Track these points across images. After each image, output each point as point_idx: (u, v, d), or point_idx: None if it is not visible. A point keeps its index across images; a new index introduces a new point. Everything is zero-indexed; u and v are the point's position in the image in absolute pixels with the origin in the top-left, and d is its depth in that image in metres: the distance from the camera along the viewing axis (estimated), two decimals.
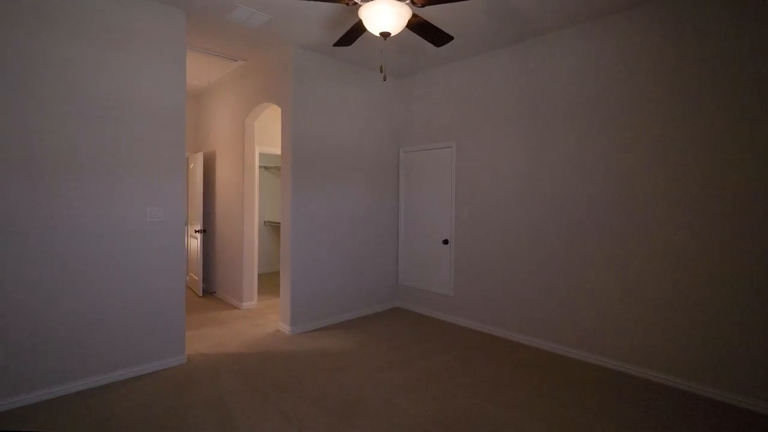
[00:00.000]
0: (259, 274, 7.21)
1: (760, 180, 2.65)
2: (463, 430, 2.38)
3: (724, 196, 2.79)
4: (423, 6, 2.29)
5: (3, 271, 2.53)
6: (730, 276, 2.77)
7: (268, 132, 5.49)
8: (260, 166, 7.24)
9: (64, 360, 2.74)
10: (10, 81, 2.53)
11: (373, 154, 4.86)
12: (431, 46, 4.03)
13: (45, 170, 2.65)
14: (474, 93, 4.35)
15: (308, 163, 4.22)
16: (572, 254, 3.57)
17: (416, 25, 2.56)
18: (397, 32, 2.40)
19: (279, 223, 7.23)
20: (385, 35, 2.28)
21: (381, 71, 2.53)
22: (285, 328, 4.14)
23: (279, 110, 5.59)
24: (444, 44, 2.81)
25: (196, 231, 5.61)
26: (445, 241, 4.61)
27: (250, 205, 5.03)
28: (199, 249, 5.54)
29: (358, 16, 2.92)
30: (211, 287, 5.82)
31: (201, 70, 5.03)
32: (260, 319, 4.55)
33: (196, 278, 5.63)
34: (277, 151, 5.52)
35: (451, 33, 3.71)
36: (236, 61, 4.54)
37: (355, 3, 2.26)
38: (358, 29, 2.59)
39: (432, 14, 3.33)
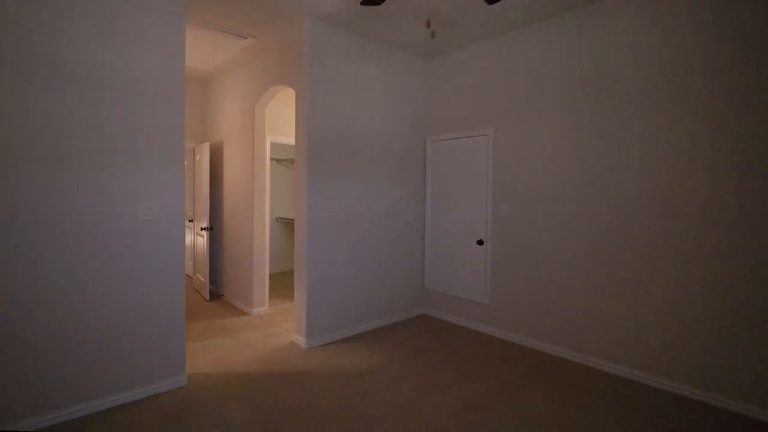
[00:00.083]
0: (270, 274, 6.75)
1: None
2: None
3: None
4: None
5: None
6: None
7: (280, 120, 4.99)
8: (271, 159, 6.75)
9: (31, 387, 2.27)
10: None
11: (396, 144, 4.32)
12: (464, 18, 3.47)
13: (7, 157, 2.18)
14: (515, 73, 3.78)
15: (325, 154, 3.70)
16: (645, 261, 2.99)
17: None
18: None
19: (292, 220, 6.75)
20: None
21: (428, 26, 1.99)
22: (300, 340, 3.65)
23: (292, 96, 5.08)
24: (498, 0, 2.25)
25: (202, 228, 5.15)
26: (480, 242, 4.06)
27: (261, 201, 4.54)
28: (205, 248, 5.08)
29: None
30: (218, 290, 5.37)
31: (206, 51, 4.53)
32: (272, 328, 4.06)
33: (203, 280, 5.18)
34: (290, 140, 5.02)
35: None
36: (245, 38, 4.03)
37: None
38: None
39: None
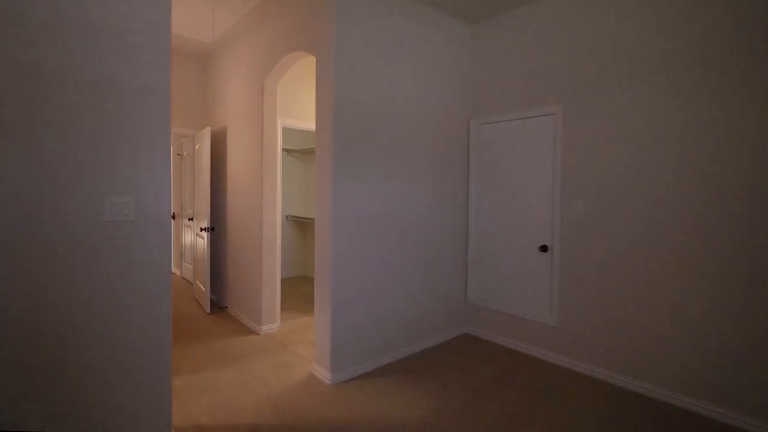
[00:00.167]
0: (280, 279, 5.97)
1: None
2: None
3: None
4: None
5: None
6: None
7: (293, 101, 4.20)
8: (281, 150, 5.97)
9: None
10: None
11: (437, 128, 3.51)
12: None
13: None
14: (592, 34, 2.96)
15: (355, 139, 2.91)
16: None
17: None
18: None
19: (305, 219, 5.97)
20: None
21: None
22: (322, 374, 2.87)
23: (306, 73, 4.28)
24: None
25: (202, 229, 4.39)
26: (544, 248, 3.26)
27: (271, 197, 3.76)
28: (206, 252, 4.31)
29: None
30: (221, 300, 4.61)
31: (204, 16, 3.75)
32: (286, 355, 3.29)
33: (203, 289, 4.42)
34: (305, 125, 4.23)
35: None
36: None
37: None
38: None
39: None
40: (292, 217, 6.17)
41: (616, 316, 2.86)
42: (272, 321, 3.82)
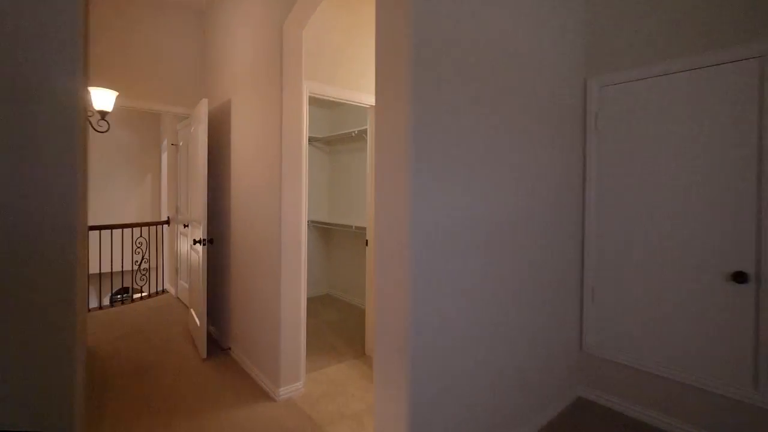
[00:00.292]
0: None
1: None
2: None
3: None
4: None
5: None
6: None
7: (320, 54, 2.97)
8: None
9: None
10: None
11: (544, 90, 2.26)
12: None
13: None
14: None
15: (443, 106, 1.66)
16: None
17: None
18: None
19: (330, 225, 4.77)
20: None
21: None
22: None
23: (343, 12, 3.06)
24: None
25: (196, 242, 3.19)
26: (740, 276, 1.99)
27: (293, 200, 2.55)
28: (201, 272, 3.11)
29: None
30: (223, 338, 3.41)
31: None
32: None
33: (198, 323, 3.22)
34: (342, 92, 3.00)
35: None
36: None
37: None
38: None
39: None
40: (313, 222, 4.96)
41: None
42: (294, 379, 2.60)
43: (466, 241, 1.78)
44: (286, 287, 2.52)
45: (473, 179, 1.79)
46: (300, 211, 2.59)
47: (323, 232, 5.12)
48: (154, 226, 5.01)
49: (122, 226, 4.64)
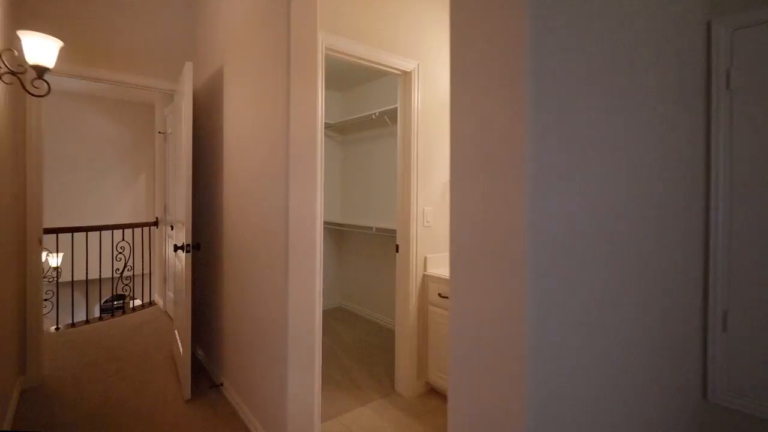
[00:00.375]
0: None
1: None
2: None
3: None
4: None
5: None
6: None
7: (341, 1, 2.26)
8: None
9: None
10: None
11: (647, 42, 1.52)
12: None
13: None
14: None
15: (556, 48, 0.94)
16: None
17: None
18: None
19: (344, 227, 4.07)
20: None
21: None
22: None
23: None
24: None
25: (177, 247, 2.50)
26: None
27: (306, 192, 1.84)
28: (184, 283, 2.41)
29: None
30: (215, 369, 2.70)
31: None
32: None
33: (182, 353, 2.51)
34: (366, 50, 2.28)
35: None
36: None
37: None
38: None
39: None
40: (324, 223, 4.25)
41: None
42: (307, 430, 1.88)
43: (587, 248, 1.05)
44: (295, 307, 1.81)
45: (591, 169, 1.07)
46: (314, 214, 1.88)
47: (335, 234, 4.41)
48: (140, 228, 4.32)
49: (101, 228, 3.96)
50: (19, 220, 2.44)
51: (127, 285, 4.20)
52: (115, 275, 4.13)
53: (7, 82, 1.85)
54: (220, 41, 2.57)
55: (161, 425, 2.13)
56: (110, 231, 4.05)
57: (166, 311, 4.09)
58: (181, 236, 2.48)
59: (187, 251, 2.34)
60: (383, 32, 2.31)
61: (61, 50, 2.32)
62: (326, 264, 4.30)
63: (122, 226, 4.09)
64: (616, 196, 1.17)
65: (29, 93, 1.81)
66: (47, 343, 3.25)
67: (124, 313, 4.12)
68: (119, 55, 2.77)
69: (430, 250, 2.56)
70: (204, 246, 2.91)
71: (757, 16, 1.73)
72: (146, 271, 4.64)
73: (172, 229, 3.53)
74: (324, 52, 2.02)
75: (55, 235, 3.73)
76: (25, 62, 1.79)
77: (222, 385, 2.52)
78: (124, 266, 4.06)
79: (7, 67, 1.81)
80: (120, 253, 4.00)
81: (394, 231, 3.44)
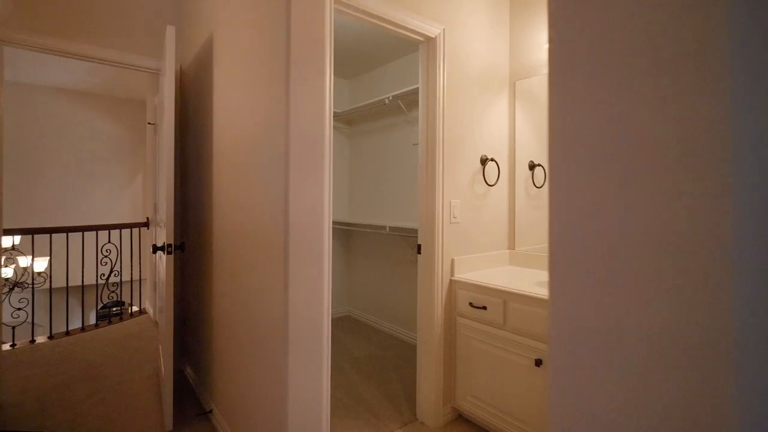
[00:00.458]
0: None
1: None
2: None
3: None
4: None
5: None
6: None
7: None
8: None
9: None
10: None
11: None
12: None
13: None
14: None
15: None
16: None
17: None
18: None
19: (353, 227, 3.67)
20: None
21: None
22: None
23: None
24: None
25: (157, 248, 2.11)
26: None
27: (315, 196, 1.44)
28: (165, 289, 2.01)
29: None
30: (203, 390, 2.30)
31: None
32: None
33: (163, 370, 2.11)
34: (384, 5, 1.89)
35: None
36: None
37: None
38: None
39: None
40: (335, 223, 3.85)
41: None
42: None
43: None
44: (297, 325, 1.41)
45: None
46: (323, 214, 1.48)
47: (342, 235, 4.02)
48: (129, 229, 3.94)
49: (85, 228, 3.58)
50: None
51: (113, 292, 3.81)
52: (100, 281, 3.75)
53: None
54: (208, 4, 2.19)
55: None
56: (94, 232, 3.66)
57: (156, 321, 3.70)
58: (161, 236, 2.09)
59: (169, 252, 1.94)
60: None
61: (19, 17, 1.96)
62: (333, 268, 3.89)
63: (108, 227, 3.71)
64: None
65: None
66: (16, 359, 2.87)
67: (121, 320, 3.74)
68: (93, 26, 2.40)
69: (458, 250, 2.16)
70: (193, 248, 2.52)
71: None
72: (137, 276, 4.26)
73: (160, 228, 3.14)
74: (333, 5, 1.62)
75: (46, 236, 3.36)
76: None
77: (211, 412, 2.12)
78: (110, 271, 3.68)
79: None
80: (105, 256, 3.62)
81: (410, 230, 3.04)
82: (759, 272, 0.35)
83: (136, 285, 4.74)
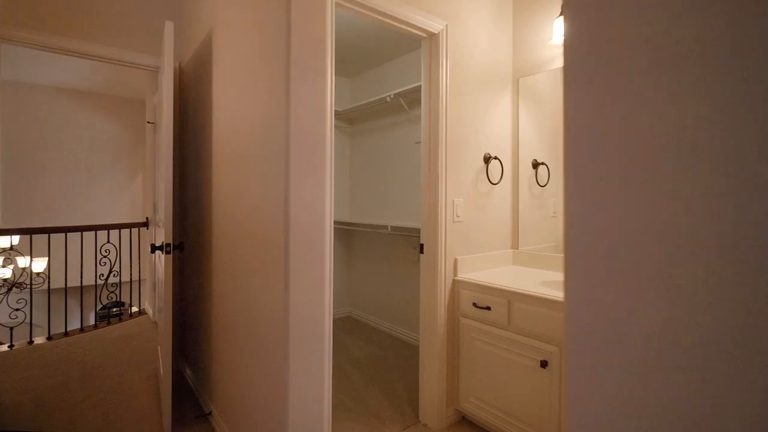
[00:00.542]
0: None
1: None
2: None
3: None
4: None
5: None
6: None
7: None
8: None
9: None
10: None
11: None
12: None
13: None
14: None
15: None
16: None
17: None
18: None
19: (354, 227, 3.65)
20: None
21: None
22: None
23: None
24: None
25: (156, 247, 2.07)
26: None
27: (317, 196, 1.42)
28: (165, 289, 1.98)
29: None
30: (203, 392, 2.27)
31: None
32: None
33: (162, 371, 2.08)
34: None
35: None
36: None
37: None
38: None
39: None
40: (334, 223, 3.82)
41: None
42: None
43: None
44: (298, 326, 1.38)
45: None
46: (323, 214, 1.45)
47: (343, 235, 3.99)
48: (129, 229, 3.91)
49: (84, 228, 3.56)
50: None
51: (112, 293, 3.78)
52: (99, 282, 3.72)
53: None
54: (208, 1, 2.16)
55: None
56: (93, 232, 3.64)
57: (155, 321, 3.67)
58: (160, 235, 2.06)
59: (167, 252, 1.91)
60: None
61: (16, 13, 1.93)
62: (334, 268, 3.86)
63: (107, 227, 3.68)
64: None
65: None
66: (14, 360, 2.84)
67: (120, 321, 3.72)
68: (91, 23, 2.37)
69: (462, 250, 2.12)
70: (192, 249, 2.49)
71: None
72: (136, 277, 4.23)
73: (159, 228, 3.11)
74: (334, 0, 1.59)
75: (44, 236, 3.33)
76: None
77: (210, 414, 2.09)
78: (110, 271, 3.65)
79: None
80: (105, 256, 3.59)
81: (411, 230, 3.01)
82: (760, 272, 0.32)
83: (135, 286, 4.71)
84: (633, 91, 0.39)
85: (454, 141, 2.07)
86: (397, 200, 3.40)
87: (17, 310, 3.17)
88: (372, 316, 3.71)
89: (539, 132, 2.31)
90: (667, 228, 0.37)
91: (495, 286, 1.89)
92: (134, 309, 4.29)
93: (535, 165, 2.31)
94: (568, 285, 0.47)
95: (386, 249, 3.52)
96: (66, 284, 3.50)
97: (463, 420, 2.12)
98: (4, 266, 3.41)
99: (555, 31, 2.06)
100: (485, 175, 2.24)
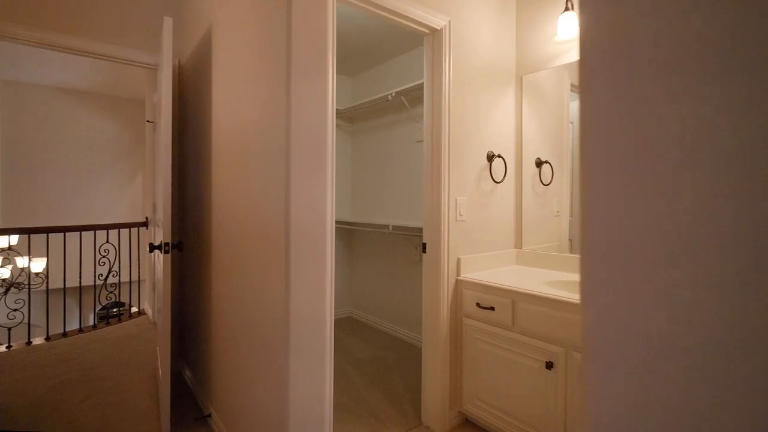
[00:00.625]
0: None
1: None
2: None
3: None
4: None
5: None
6: None
7: None
8: None
9: None
10: None
11: None
12: None
13: None
14: None
15: None
16: None
17: None
18: None
19: (355, 226, 3.62)
20: None
21: None
22: None
23: None
24: None
25: (154, 247, 2.04)
26: None
27: (317, 195, 1.39)
28: (163, 289, 1.95)
29: None
30: (202, 393, 2.24)
31: None
32: None
33: (160, 372, 2.05)
34: None
35: None
36: None
37: None
38: None
39: None
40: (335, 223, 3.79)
41: None
42: None
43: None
44: (299, 324, 1.35)
45: None
46: (325, 214, 1.42)
47: (344, 234, 3.96)
48: (128, 229, 3.89)
49: (82, 228, 3.53)
50: None
51: (111, 293, 3.75)
52: (98, 282, 3.69)
53: None
54: None
55: None
56: (92, 232, 3.61)
57: (155, 322, 3.64)
58: (158, 235, 2.03)
59: (166, 251, 1.88)
60: None
61: (13, 11, 1.91)
62: (335, 268, 3.83)
63: (106, 227, 3.65)
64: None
65: None
66: (12, 361, 2.81)
67: (120, 321, 3.69)
68: (89, 20, 2.34)
69: (465, 249, 2.09)
70: (191, 248, 2.46)
71: None
72: (136, 277, 4.21)
73: (158, 228, 3.09)
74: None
75: (43, 236, 3.30)
76: None
77: (210, 416, 2.06)
78: (109, 271, 3.62)
79: None
80: (104, 256, 3.56)
81: (413, 229, 2.98)
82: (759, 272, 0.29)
83: (135, 286, 4.69)
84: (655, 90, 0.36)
85: (457, 139, 2.04)
86: (398, 199, 3.37)
87: (15, 310, 3.14)
88: (373, 316, 3.68)
89: (543, 130, 2.28)
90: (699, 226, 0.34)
91: (499, 285, 1.86)
92: (134, 309, 4.26)
93: (539, 163, 2.28)
94: (585, 288, 0.44)
95: (387, 249, 3.50)
96: (65, 284, 3.47)
97: (467, 422, 2.09)
98: (2, 266, 3.39)
99: (559, 27, 2.02)
100: (488, 173, 2.21)
